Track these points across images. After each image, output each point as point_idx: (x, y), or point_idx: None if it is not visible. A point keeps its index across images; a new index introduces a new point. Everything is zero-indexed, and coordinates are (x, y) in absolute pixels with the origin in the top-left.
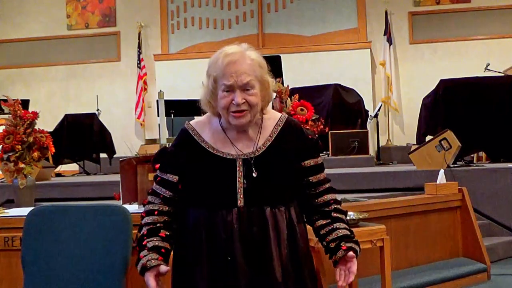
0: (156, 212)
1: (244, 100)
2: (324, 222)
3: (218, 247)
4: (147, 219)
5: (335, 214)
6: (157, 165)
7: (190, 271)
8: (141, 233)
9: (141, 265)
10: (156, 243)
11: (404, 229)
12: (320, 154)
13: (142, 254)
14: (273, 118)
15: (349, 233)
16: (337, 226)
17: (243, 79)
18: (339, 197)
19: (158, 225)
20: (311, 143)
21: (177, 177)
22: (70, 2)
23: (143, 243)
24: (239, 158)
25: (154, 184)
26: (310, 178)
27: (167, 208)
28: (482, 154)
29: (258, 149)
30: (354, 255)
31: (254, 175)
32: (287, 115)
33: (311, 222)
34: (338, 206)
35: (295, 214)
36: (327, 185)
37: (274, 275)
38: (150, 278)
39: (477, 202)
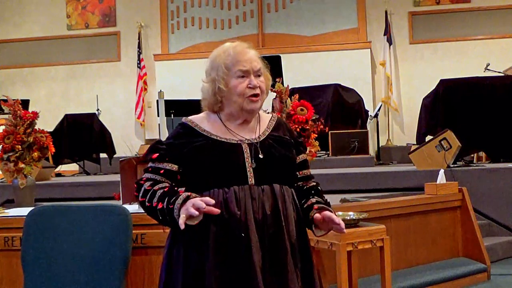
0: (160, 173)
1: (259, 84)
2: (304, 200)
3: (232, 222)
4: (156, 186)
5: (315, 198)
6: (154, 155)
7: (198, 249)
8: (161, 197)
9: (184, 197)
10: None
11: (404, 229)
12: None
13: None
14: (266, 115)
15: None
16: (313, 200)
17: (256, 65)
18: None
19: (167, 184)
20: (299, 141)
21: (176, 166)
22: (70, 2)
23: (171, 200)
24: (243, 142)
25: (145, 174)
26: (300, 172)
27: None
28: (482, 154)
29: (260, 136)
30: (330, 212)
31: (260, 156)
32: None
33: None
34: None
35: (298, 199)
36: (313, 182)
37: (285, 252)
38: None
39: (477, 202)
